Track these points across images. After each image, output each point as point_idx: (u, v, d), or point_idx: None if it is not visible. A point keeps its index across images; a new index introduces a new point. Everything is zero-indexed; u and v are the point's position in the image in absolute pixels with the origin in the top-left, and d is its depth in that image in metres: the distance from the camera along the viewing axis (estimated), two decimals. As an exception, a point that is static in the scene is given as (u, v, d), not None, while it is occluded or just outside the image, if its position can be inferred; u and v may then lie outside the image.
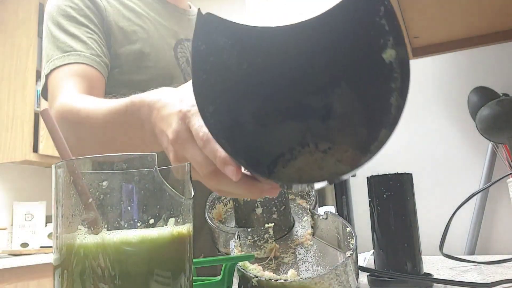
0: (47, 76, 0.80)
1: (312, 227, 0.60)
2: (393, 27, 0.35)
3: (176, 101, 0.49)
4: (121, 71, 0.84)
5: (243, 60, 0.40)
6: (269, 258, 0.56)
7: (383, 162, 0.91)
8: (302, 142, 0.42)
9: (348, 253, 0.50)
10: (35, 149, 2.94)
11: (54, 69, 0.79)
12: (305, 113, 0.43)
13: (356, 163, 0.36)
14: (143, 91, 0.82)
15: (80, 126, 0.68)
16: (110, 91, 0.84)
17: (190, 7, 1.03)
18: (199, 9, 0.38)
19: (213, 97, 0.38)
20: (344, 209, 0.86)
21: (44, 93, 0.82)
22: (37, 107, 2.98)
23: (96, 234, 0.29)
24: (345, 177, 0.38)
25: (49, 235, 2.89)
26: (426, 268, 0.69)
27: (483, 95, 0.96)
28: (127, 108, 0.60)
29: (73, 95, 0.75)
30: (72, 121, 0.69)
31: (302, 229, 0.60)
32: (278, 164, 0.41)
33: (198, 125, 0.42)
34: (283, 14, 1.39)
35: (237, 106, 0.41)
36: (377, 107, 0.37)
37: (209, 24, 0.38)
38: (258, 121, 0.42)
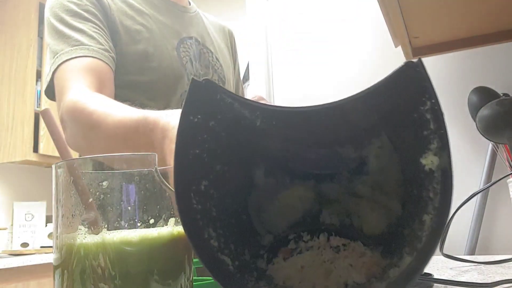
0: (54, 72, 0.77)
1: (312, 227, 0.59)
2: (439, 126, 0.28)
3: None
4: (125, 71, 0.82)
5: (256, 115, 0.35)
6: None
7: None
8: (312, 229, 0.36)
9: (348, 253, 0.50)
10: (35, 149, 2.94)
11: (62, 63, 0.76)
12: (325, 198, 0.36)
13: (371, 274, 0.29)
14: (147, 92, 0.82)
15: (91, 130, 0.67)
16: (114, 92, 0.82)
17: (190, 4, 1.02)
18: (193, 78, 0.34)
19: (205, 171, 0.32)
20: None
21: (48, 92, 0.80)
22: (37, 107, 2.98)
23: (96, 234, 0.29)
24: None
25: (49, 235, 2.89)
26: (426, 268, 0.69)
27: (483, 95, 0.96)
28: (138, 124, 0.59)
29: (85, 92, 0.72)
30: (82, 122, 0.68)
31: (302, 229, 0.60)
32: (279, 255, 0.36)
33: None
34: (283, 14, 1.39)
35: (237, 170, 0.35)
36: (406, 215, 0.31)
37: (205, 91, 0.33)
38: (264, 180, 0.37)
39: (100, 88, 0.75)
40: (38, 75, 3.04)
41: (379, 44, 1.23)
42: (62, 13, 0.80)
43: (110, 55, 0.79)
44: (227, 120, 0.34)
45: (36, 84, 3.02)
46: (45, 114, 0.35)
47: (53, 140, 0.34)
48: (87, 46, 0.76)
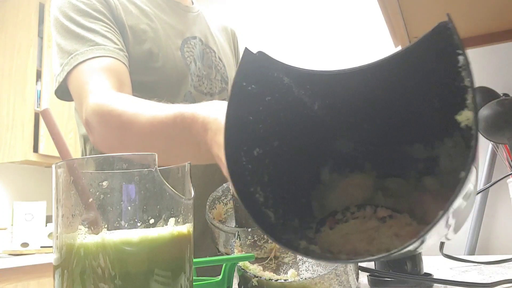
0: (69, 73, 0.75)
1: (312, 227, 0.60)
2: (471, 84, 0.29)
3: None
4: (130, 71, 0.81)
5: (314, 98, 0.36)
6: (269, 258, 0.56)
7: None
8: (362, 204, 0.37)
9: (348, 253, 0.50)
10: (35, 149, 2.94)
11: (78, 64, 0.74)
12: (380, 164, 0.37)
13: (411, 239, 0.28)
14: (151, 92, 0.82)
15: (124, 132, 0.66)
16: None
17: (193, 3, 1.01)
18: (246, 48, 0.35)
19: (260, 141, 0.34)
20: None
21: (60, 92, 0.79)
22: (37, 107, 2.98)
23: (96, 234, 0.29)
24: (394, 255, 0.29)
25: (49, 235, 2.89)
26: (426, 268, 0.69)
27: (483, 95, 0.96)
28: (175, 120, 0.59)
29: (109, 94, 0.71)
30: (113, 124, 0.67)
31: (302, 229, 0.60)
32: (326, 223, 0.37)
33: None
34: (283, 14, 1.39)
35: (297, 148, 0.36)
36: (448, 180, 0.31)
37: (262, 63, 0.34)
38: (323, 165, 0.37)
39: (121, 88, 0.74)
40: (38, 75, 3.04)
41: (379, 44, 1.23)
42: (71, 12, 0.79)
43: (124, 54, 0.78)
44: (286, 102, 0.35)
45: (36, 84, 3.02)
46: (45, 114, 0.35)
47: (53, 140, 0.34)
48: (102, 46, 0.75)
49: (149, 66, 0.83)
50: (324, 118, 0.37)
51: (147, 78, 0.83)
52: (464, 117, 0.30)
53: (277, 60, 0.35)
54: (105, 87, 0.71)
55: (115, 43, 0.77)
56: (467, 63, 0.30)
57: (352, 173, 0.38)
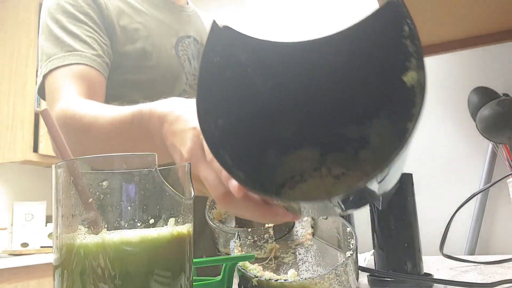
0: (45, 76, 0.78)
1: (312, 227, 0.60)
2: (416, 49, 0.33)
3: (190, 116, 0.47)
4: (123, 70, 0.82)
5: (266, 79, 0.38)
6: (269, 258, 0.56)
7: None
8: (315, 168, 0.40)
9: (348, 253, 0.50)
10: (35, 149, 2.94)
11: (54, 69, 0.76)
12: (327, 142, 0.40)
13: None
14: (145, 91, 0.82)
15: (84, 134, 0.67)
16: (111, 92, 0.82)
17: (188, 3, 1.02)
18: (214, 20, 0.37)
19: (222, 112, 0.36)
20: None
21: (41, 92, 0.81)
22: (37, 107, 2.98)
23: (96, 234, 0.29)
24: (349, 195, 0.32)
25: (49, 235, 2.89)
26: (426, 268, 0.69)
27: (483, 95, 0.96)
28: (133, 117, 0.58)
29: (75, 99, 0.72)
30: (75, 128, 0.67)
31: (302, 229, 0.60)
32: (285, 186, 0.40)
33: None
34: (282, 14, 1.39)
35: (251, 124, 0.39)
36: (394, 131, 0.36)
37: (226, 37, 0.36)
38: (271, 144, 0.40)
39: (91, 96, 0.75)
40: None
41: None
42: (57, 14, 0.80)
43: (103, 61, 0.78)
44: (241, 82, 0.38)
45: (36, 84, 3.01)
46: (45, 114, 0.35)
47: (53, 140, 0.34)
48: (79, 52, 0.76)
49: (143, 64, 0.83)
50: (273, 100, 0.39)
51: (141, 77, 0.83)
52: (410, 77, 0.33)
53: (242, 35, 0.37)
54: (73, 95, 0.72)
55: (93, 49, 0.78)
56: (412, 30, 0.33)
57: (298, 150, 0.41)
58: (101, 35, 0.81)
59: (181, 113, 0.49)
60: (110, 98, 0.82)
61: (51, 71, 0.77)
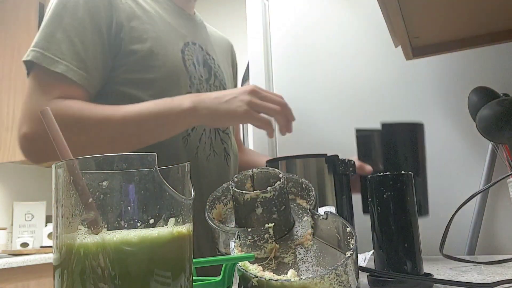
0: (31, 64, 0.81)
1: (312, 227, 0.60)
2: None
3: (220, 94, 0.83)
4: (128, 69, 0.85)
5: None
6: (269, 258, 0.56)
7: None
8: None
9: (348, 253, 0.50)
10: (35, 149, 2.93)
11: (39, 66, 0.79)
12: None
13: None
14: (150, 89, 0.88)
15: (94, 130, 0.78)
16: (116, 90, 0.86)
17: (195, 13, 1.07)
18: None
19: None
20: (344, 209, 0.86)
21: (28, 65, 0.82)
22: (37, 107, 2.97)
23: (96, 234, 0.29)
24: None
25: (49, 235, 2.88)
26: (426, 268, 0.69)
27: (483, 95, 0.96)
28: (165, 104, 0.80)
29: (74, 101, 0.79)
30: (86, 125, 0.78)
31: (302, 229, 0.60)
32: None
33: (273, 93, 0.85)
34: (283, 13, 1.39)
35: None
36: None
37: None
38: None
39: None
40: (38, 75, 3.03)
41: (379, 44, 1.23)
42: (65, 11, 0.82)
43: (87, 77, 0.82)
44: None
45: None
46: (45, 114, 0.35)
47: (53, 140, 0.34)
48: (66, 64, 0.79)
49: (150, 64, 0.86)
50: None
51: (146, 76, 0.86)
52: None
53: None
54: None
55: (81, 62, 0.81)
56: None
57: None
58: (102, 42, 0.84)
59: (213, 94, 0.82)
60: (116, 95, 0.86)
61: (36, 65, 0.80)
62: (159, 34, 0.89)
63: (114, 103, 0.82)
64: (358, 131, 0.91)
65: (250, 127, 1.41)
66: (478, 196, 1.05)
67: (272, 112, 0.81)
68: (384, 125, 0.88)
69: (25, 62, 0.81)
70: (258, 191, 0.58)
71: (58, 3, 0.83)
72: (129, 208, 0.30)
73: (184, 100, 0.80)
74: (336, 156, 0.86)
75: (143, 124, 0.79)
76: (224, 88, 1.02)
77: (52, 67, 0.78)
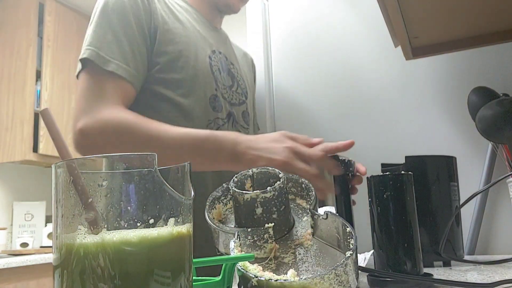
0: (86, 61, 0.86)
1: (312, 227, 0.60)
2: None
3: (261, 139, 0.82)
4: (160, 69, 0.92)
5: None
6: (269, 258, 0.56)
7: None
8: None
9: (348, 253, 0.50)
10: (35, 149, 2.94)
11: (93, 63, 0.85)
12: None
13: None
14: (178, 88, 0.93)
15: (147, 143, 0.81)
16: (148, 87, 0.92)
17: (221, 28, 1.16)
18: None
19: None
20: (344, 209, 0.86)
21: (83, 62, 0.88)
22: (37, 107, 2.97)
23: (96, 234, 0.29)
24: None
25: (49, 235, 2.88)
26: (426, 268, 0.69)
27: (483, 95, 0.96)
28: (208, 138, 0.82)
29: (126, 112, 0.85)
30: (137, 138, 0.82)
31: (302, 229, 0.60)
32: None
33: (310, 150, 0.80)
34: (282, 13, 1.39)
35: None
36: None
37: None
38: None
39: (125, 105, 0.87)
40: (38, 75, 3.03)
41: (379, 44, 1.23)
42: (114, 14, 0.89)
43: (137, 75, 0.88)
44: None
45: (36, 84, 3.02)
46: (45, 114, 0.35)
47: (53, 140, 0.34)
48: (117, 63, 0.86)
49: (180, 65, 0.93)
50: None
51: (177, 76, 0.93)
52: None
53: None
54: (116, 105, 0.85)
55: (130, 62, 0.87)
56: None
57: None
58: (145, 42, 0.91)
59: (254, 137, 0.83)
60: (148, 93, 0.93)
61: (89, 63, 0.86)
62: (190, 39, 0.97)
63: (146, 101, 0.91)
64: (384, 165, 0.90)
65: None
66: (478, 196, 1.05)
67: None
68: (407, 158, 0.86)
69: (81, 60, 0.87)
70: (258, 191, 0.58)
71: (104, 5, 0.89)
72: (129, 208, 0.30)
73: (237, 143, 0.81)
74: (336, 156, 0.86)
75: (191, 152, 0.81)
76: (246, 96, 1.09)
77: (105, 66, 0.85)
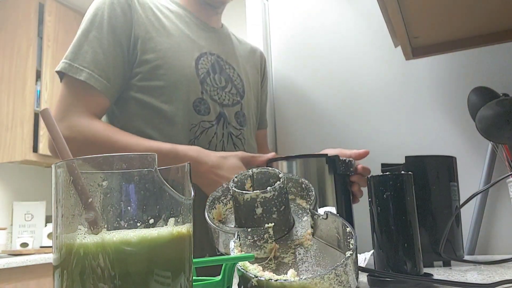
0: (63, 73, 0.91)
1: (312, 227, 0.60)
2: None
3: (220, 160, 0.88)
4: (142, 77, 0.94)
5: None
6: (269, 258, 0.56)
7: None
8: None
9: (348, 253, 0.50)
10: (35, 149, 2.94)
11: (67, 75, 0.90)
12: None
13: None
14: (160, 96, 0.95)
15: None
16: (131, 95, 0.94)
17: (222, 26, 1.14)
18: None
19: None
20: (344, 209, 0.86)
21: (60, 75, 0.93)
22: (36, 107, 2.97)
23: (96, 234, 0.29)
24: None
25: (49, 235, 2.88)
26: (426, 268, 0.69)
27: (483, 95, 0.96)
28: (169, 153, 0.86)
29: (98, 122, 0.88)
30: (105, 148, 0.85)
31: (302, 229, 0.60)
32: None
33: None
34: (282, 13, 1.39)
35: None
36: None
37: None
38: None
39: (97, 115, 0.91)
40: (38, 75, 3.03)
41: (379, 44, 1.23)
42: (90, 24, 0.92)
43: (109, 85, 0.91)
44: None
45: (36, 84, 3.02)
46: (45, 114, 0.35)
47: (53, 139, 0.34)
48: (90, 72, 0.89)
49: (160, 72, 0.94)
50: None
51: (157, 83, 0.94)
52: None
53: None
54: (89, 115, 0.89)
55: (103, 71, 0.90)
56: None
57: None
58: (122, 50, 0.93)
59: (219, 159, 0.88)
60: (132, 101, 0.95)
61: (65, 74, 0.91)
62: (173, 45, 0.97)
63: (130, 109, 0.94)
64: (384, 165, 0.90)
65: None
66: (478, 196, 1.05)
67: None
68: (407, 158, 0.86)
69: (57, 72, 0.92)
70: (258, 191, 0.58)
71: (87, 20, 0.94)
72: (128, 208, 0.30)
73: (199, 163, 0.87)
74: (337, 156, 0.86)
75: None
76: (242, 96, 1.08)
77: (77, 75, 0.88)
